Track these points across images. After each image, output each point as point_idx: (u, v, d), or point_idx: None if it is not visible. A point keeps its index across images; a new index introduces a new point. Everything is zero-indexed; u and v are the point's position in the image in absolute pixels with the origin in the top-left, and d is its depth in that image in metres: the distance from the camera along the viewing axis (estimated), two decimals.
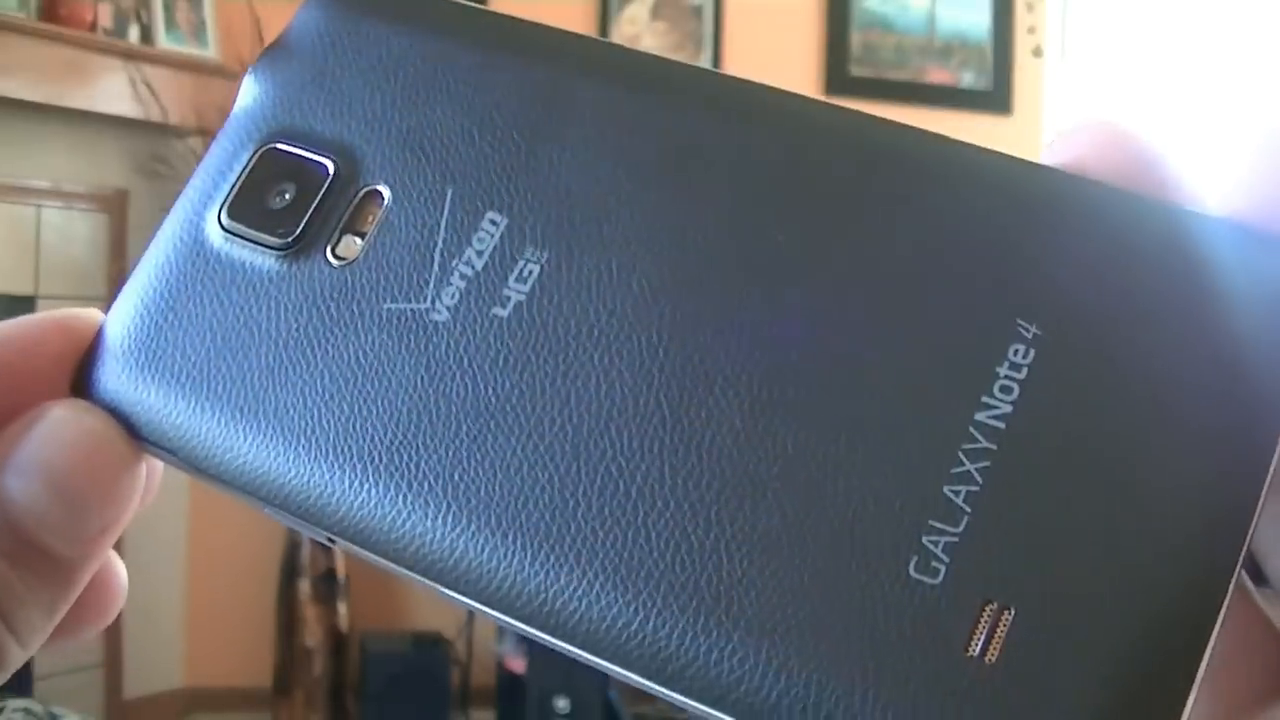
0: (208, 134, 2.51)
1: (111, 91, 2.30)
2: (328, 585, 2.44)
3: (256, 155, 0.21)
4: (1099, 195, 0.17)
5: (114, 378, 0.20)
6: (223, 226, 0.21)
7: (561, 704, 2.28)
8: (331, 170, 0.20)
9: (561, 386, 0.18)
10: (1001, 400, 0.16)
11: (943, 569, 0.15)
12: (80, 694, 2.31)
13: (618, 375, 0.18)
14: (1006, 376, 0.16)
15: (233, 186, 0.21)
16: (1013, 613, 0.15)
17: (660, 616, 0.16)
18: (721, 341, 0.18)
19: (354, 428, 0.19)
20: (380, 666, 2.39)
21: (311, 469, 0.19)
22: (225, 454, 0.19)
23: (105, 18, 2.33)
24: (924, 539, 0.16)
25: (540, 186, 0.20)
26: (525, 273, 0.19)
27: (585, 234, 0.19)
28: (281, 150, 0.21)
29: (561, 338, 0.18)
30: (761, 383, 0.17)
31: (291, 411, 0.19)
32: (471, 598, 0.18)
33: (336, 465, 0.19)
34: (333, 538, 0.19)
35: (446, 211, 0.20)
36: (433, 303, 0.19)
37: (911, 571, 0.16)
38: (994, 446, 0.16)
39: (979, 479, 0.16)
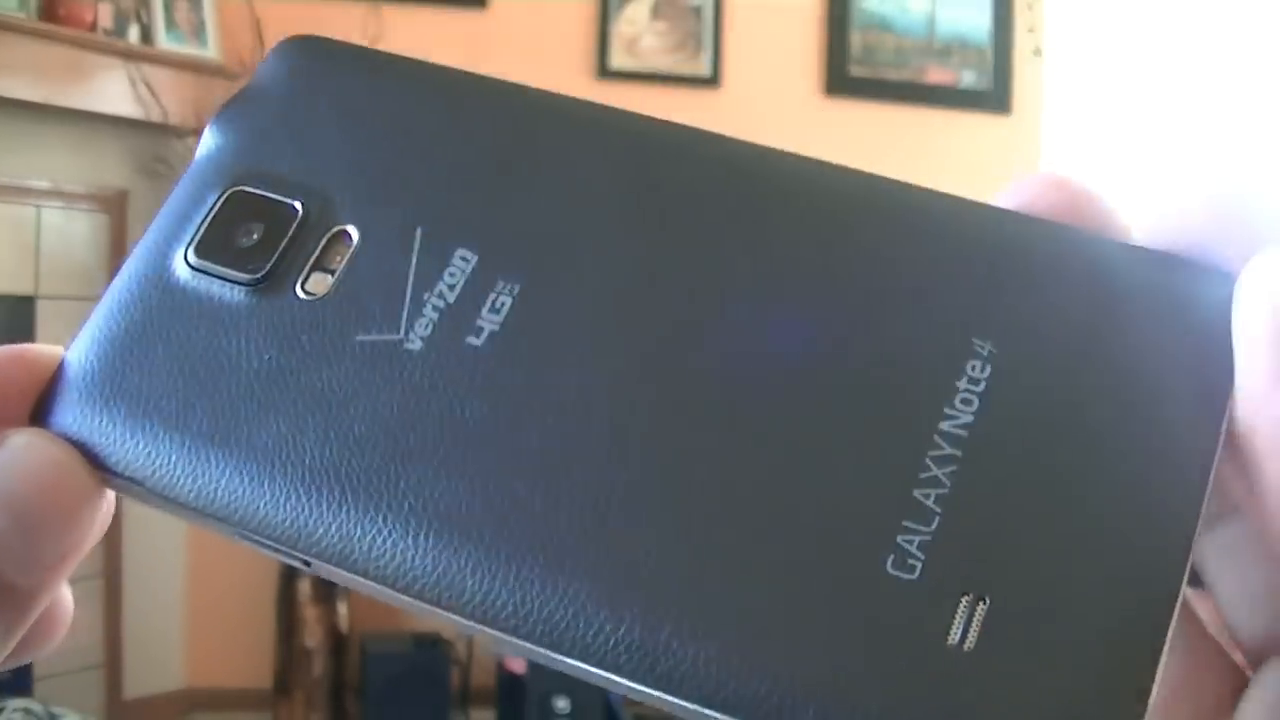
0: None
1: (111, 91, 2.30)
2: (327, 586, 2.44)
3: (223, 197, 0.21)
4: (1041, 228, 0.19)
5: (77, 409, 0.20)
6: (190, 264, 0.21)
7: (561, 704, 2.28)
8: (300, 210, 0.21)
9: (537, 408, 0.19)
10: (963, 410, 0.18)
11: (919, 565, 0.17)
12: (80, 694, 2.31)
13: (593, 396, 0.19)
14: (966, 390, 0.18)
15: (199, 226, 0.21)
16: (987, 603, 0.16)
17: (646, 625, 0.17)
18: (693, 362, 0.19)
19: (330, 452, 0.19)
20: (380, 667, 2.39)
21: (288, 494, 0.19)
22: (195, 482, 0.19)
23: (105, 18, 2.33)
24: (899, 539, 0.17)
25: (508, 223, 0.20)
26: (498, 304, 0.20)
27: (555, 266, 0.20)
28: (249, 192, 0.21)
29: (536, 363, 0.19)
30: (734, 401, 0.18)
31: (265, 438, 0.19)
32: (455, 612, 0.18)
33: (314, 489, 0.19)
34: (309, 560, 0.19)
35: (417, 249, 0.20)
36: (406, 334, 0.20)
37: (889, 569, 0.17)
38: (959, 453, 0.17)
39: (947, 482, 0.17)
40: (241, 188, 0.21)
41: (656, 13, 2.84)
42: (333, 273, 0.20)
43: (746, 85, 2.87)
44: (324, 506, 0.19)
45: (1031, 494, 0.17)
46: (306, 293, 0.20)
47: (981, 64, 3.00)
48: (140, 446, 0.20)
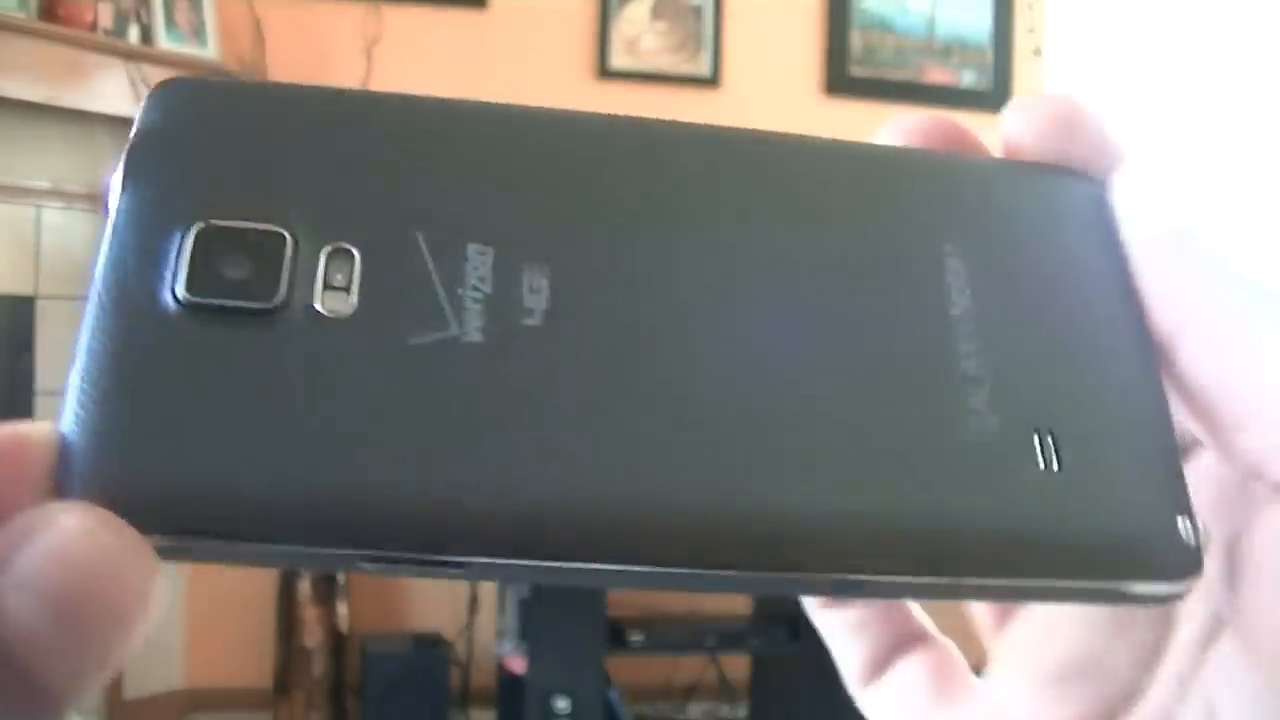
0: None
1: (111, 91, 2.31)
2: (327, 586, 2.44)
3: (193, 232, 0.20)
4: (949, 156, 0.23)
5: (116, 473, 0.18)
6: (185, 302, 0.19)
7: (561, 704, 2.28)
8: (289, 235, 0.20)
9: (622, 366, 0.20)
10: (960, 300, 0.22)
11: (994, 419, 0.21)
12: None
13: (668, 345, 0.20)
14: (954, 284, 0.22)
15: (179, 265, 0.19)
16: (1053, 434, 0.21)
17: (767, 522, 0.19)
18: (737, 305, 0.21)
19: (440, 449, 0.19)
20: (380, 667, 2.39)
21: (426, 498, 0.18)
22: (308, 513, 0.18)
23: (105, 18, 2.33)
24: (969, 403, 0.21)
25: (506, 215, 0.21)
26: (536, 286, 0.20)
27: (574, 245, 0.21)
28: (222, 225, 0.20)
29: (603, 329, 0.20)
30: (787, 332, 0.21)
31: (363, 454, 0.18)
32: (646, 563, 0.19)
33: (452, 486, 0.18)
34: (464, 561, 0.18)
35: (426, 251, 0.20)
36: (460, 328, 0.20)
37: (974, 429, 0.21)
38: (974, 328, 0.21)
39: (978, 350, 0.21)
40: (211, 222, 0.20)
41: (656, 13, 2.84)
42: (345, 289, 0.20)
43: (746, 85, 2.87)
44: (465, 501, 0.18)
45: (1038, 346, 0.22)
46: (330, 311, 0.20)
47: (981, 64, 3.00)
48: (226, 495, 0.18)
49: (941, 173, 0.23)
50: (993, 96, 2.99)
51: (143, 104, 0.21)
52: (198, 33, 2.49)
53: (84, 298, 0.19)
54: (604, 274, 0.21)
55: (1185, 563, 0.20)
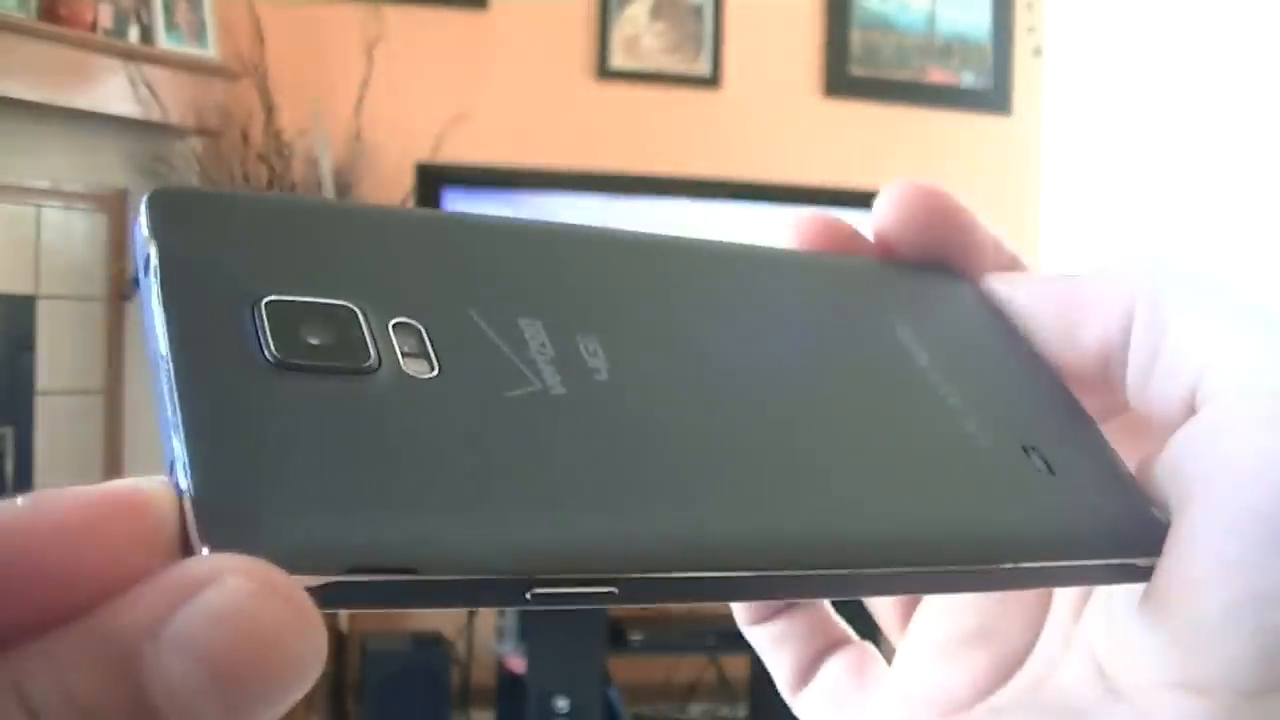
0: (207, 134, 2.51)
1: (111, 91, 2.31)
2: None
3: (263, 305, 0.20)
4: (848, 260, 0.28)
5: (277, 522, 0.17)
6: (282, 364, 0.19)
7: (561, 704, 2.28)
8: (356, 308, 0.20)
9: (690, 407, 0.22)
10: (920, 356, 0.26)
11: (990, 439, 0.24)
12: None
13: (713, 397, 0.23)
14: (911, 347, 0.26)
15: (261, 333, 0.19)
16: (1037, 449, 0.24)
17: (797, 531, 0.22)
18: (745, 365, 0.24)
19: (573, 484, 0.20)
20: (380, 666, 2.39)
21: (584, 522, 0.19)
22: (484, 545, 0.18)
23: (105, 18, 2.33)
24: (968, 430, 0.24)
25: (541, 294, 0.23)
26: (591, 349, 0.22)
27: (612, 318, 0.23)
28: (287, 300, 0.20)
29: (658, 379, 0.23)
30: (798, 389, 0.24)
31: (509, 486, 0.19)
32: (744, 568, 0.20)
33: (598, 510, 0.19)
34: (621, 580, 0.19)
35: (483, 323, 0.21)
36: (545, 384, 0.21)
37: (981, 447, 0.24)
38: (940, 373, 0.26)
39: (956, 388, 0.25)
40: (272, 298, 0.20)
41: (656, 13, 2.84)
42: (421, 356, 0.20)
43: (746, 85, 2.87)
44: (621, 521, 0.20)
45: (988, 384, 0.26)
46: (416, 373, 0.20)
47: (981, 64, 3.00)
48: (405, 531, 0.18)
49: (874, 271, 0.28)
50: (992, 97, 2.99)
51: (143, 211, 0.20)
52: (198, 33, 2.50)
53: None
54: (640, 339, 0.23)
55: (1164, 538, 0.23)
